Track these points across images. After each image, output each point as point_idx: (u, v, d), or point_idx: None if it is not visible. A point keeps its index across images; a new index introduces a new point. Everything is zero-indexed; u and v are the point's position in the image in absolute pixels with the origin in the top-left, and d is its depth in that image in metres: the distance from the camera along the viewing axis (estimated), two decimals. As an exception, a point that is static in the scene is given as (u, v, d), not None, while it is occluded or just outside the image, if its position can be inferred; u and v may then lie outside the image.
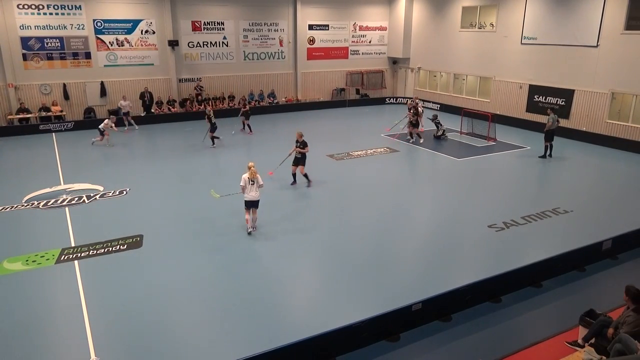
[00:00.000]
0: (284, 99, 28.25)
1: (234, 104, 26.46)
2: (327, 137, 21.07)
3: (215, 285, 9.05)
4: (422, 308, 7.76)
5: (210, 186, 14.50)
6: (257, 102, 26.98)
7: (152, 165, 17.00)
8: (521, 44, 23.20)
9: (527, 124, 22.68)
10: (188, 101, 25.41)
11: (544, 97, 22.48)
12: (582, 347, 6.93)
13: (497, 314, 8.22)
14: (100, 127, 19.20)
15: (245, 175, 10.80)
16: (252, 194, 10.84)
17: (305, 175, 14.41)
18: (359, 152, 18.35)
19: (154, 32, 24.48)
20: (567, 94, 21.40)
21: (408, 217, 12.63)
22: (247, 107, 22.23)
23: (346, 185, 14.59)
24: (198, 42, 25.67)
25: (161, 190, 14.31)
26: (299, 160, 14.24)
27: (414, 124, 19.92)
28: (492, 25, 24.82)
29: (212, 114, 19.08)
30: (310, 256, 10.51)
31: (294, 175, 14.52)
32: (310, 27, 28.49)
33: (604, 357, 6.43)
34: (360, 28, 29.99)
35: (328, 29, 29.05)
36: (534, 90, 22.92)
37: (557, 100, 21.77)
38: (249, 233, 11.09)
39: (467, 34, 26.28)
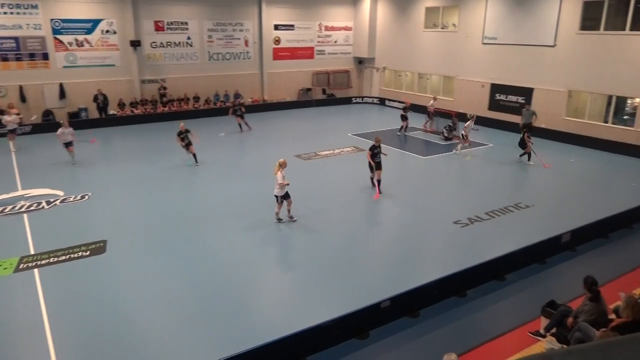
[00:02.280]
0: (250, 100, 28.05)
1: (199, 105, 26.15)
2: (294, 137, 21.06)
3: (182, 289, 8.90)
4: (390, 305, 7.85)
5: (174, 189, 14.33)
6: (222, 103, 26.70)
7: (114, 169, 16.56)
8: (482, 43, 23.77)
9: (490, 121, 23.24)
10: (150, 103, 24.95)
11: (505, 96, 23.11)
12: (544, 336, 7.16)
13: (463, 308, 8.40)
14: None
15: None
16: (274, 189, 11.50)
17: (379, 182, 14.02)
18: (327, 152, 18.41)
19: (115, 32, 23.90)
20: (527, 92, 22.06)
21: (375, 215, 12.76)
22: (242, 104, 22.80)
23: (314, 185, 14.60)
24: (161, 43, 25.21)
25: (124, 195, 13.98)
26: (380, 165, 13.97)
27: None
28: (455, 25, 25.34)
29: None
30: (278, 257, 10.50)
31: (378, 181, 14.01)
32: (276, 27, 28.41)
33: (564, 346, 6.66)
34: (326, 28, 30.10)
35: (294, 29, 29.03)
36: (495, 88, 23.53)
37: (517, 99, 22.41)
38: (282, 220, 11.84)
39: (431, 34, 26.74)
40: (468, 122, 18.47)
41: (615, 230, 11.44)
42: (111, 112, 23.99)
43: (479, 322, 8.04)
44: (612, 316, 6.78)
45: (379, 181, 13.92)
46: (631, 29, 18.27)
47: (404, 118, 21.78)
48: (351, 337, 7.51)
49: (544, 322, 7.34)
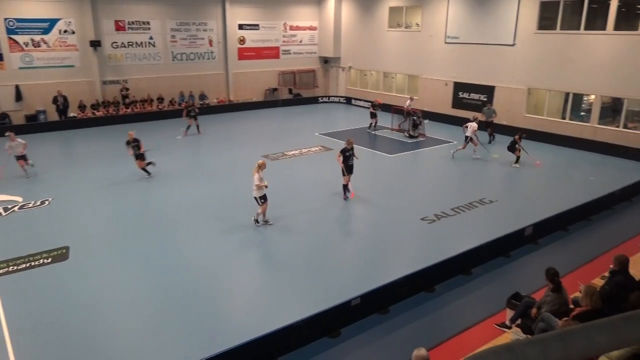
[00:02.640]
0: (215, 100, 27.74)
1: (164, 106, 25.68)
2: (261, 138, 20.96)
3: (150, 294, 8.73)
4: (361, 303, 7.91)
5: (139, 192, 14.02)
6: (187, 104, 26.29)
7: (76, 173, 16.06)
8: (445, 43, 24.21)
9: (454, 119, 23.69)
10: (113, 104, 24.35)
11: (467, 94, 23.62)
12: (510, 328, 7.36)
13: (432, 302, 8.54)
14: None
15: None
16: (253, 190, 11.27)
17: (347, 186, 13.49)
18: (294, 152, 18.39)
19: (73, 32, 23.18)
20: (489, 90, 22.61)
21: (345, 215, 12.82)
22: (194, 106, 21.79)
23: (282, 186, 14.53)
24: (122, 43, 24.61)
25: (87, 199, 13.58)
26: (352, 169, 13.36)
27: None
28: (418, 25, 25.72)
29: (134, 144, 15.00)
30: (249, 259, 10.42)
31: (346, 187, 13.47)
32: (240, 26, 28.16)
33: (529, 337, 6.86)
34: (291, 28, 30.04)
35: (258, 29, 28.84)
36: (458, 87, 24.02)
37: (480, 97, 22.93)
38: (266, 222, 11.67)
39: (395, 33, 27.06)
40: (473, 124, 17.36)
41: (575, 222, 11.86)
42: (71, 114, 23.29)
43: (447, 316, 8.20)
44: (573, 306, 7.02)
45: (346, 184, 13.44)
46: (585, 29, 18.99)
47: (373, 115, 22.24)
48: (322, 336, 7.53)
49: (509, 313, 7.54)
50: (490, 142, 19.88)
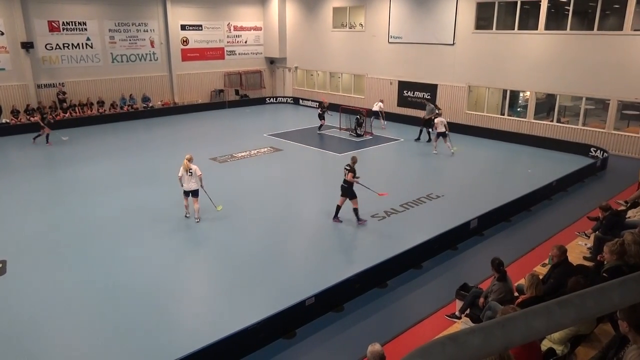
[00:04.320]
0: (159, 103, 27.01)
1: (104, 110, 24.75)
2: (209, 140, 20.61)
3: (95, 303, 8.38)
4: (315, 302, 7.94)
5: (79, 199, 13.43)
6: (129, 107, 25.48)
7: (9, 181, 15.16)
8: (388, 42, 24.72)
9: (399, 117, 24.24)
10: (49, 109, 23.17)
11: (412, 92, 24.23)
12: (460, 318, 7.62)
13: (385, 298, 8.70)
14: None
15: (181, 167, 11.29)
16: (189, 184, 11.34)
17: (355, 211, 11.57)
18: (243, 153, 18.20)
19: (2, 33, 21.90)
20: (432, 89, 23.30)
21: (297, 215, 12.83)
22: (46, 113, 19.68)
23: (232, 188, 14.38)
24: (57, 44, 23.49)
25: (20, 207, 12.84)
26: (345, 191, 11.49)
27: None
28: (362, 25, 26.12)
29: None
30: (198, 262, 10.23)
31: (339, 208, 11.76)
32: (183, 27, 27.55)
33: (473, 325, 7.11)
34: (235, 28, 29.71)
35: (202, 29, 28.33)
36: (403, 85, 24.59)
37: (424, 95, 23.58)
38: (186, 216, 11.79)
39: (339, 33, 27.35)
40: (441, 119, 17.87)
41: (516, 213, 12.43)
42: (3, 120, 21.99)
43: (400, 310, 8.38)
44: (517, 294, 7.36)
45: (355, 210, 11.63)
46: (519, 28, 19.95)
47: (321, 117, 21.92)
48: (278, 338, 7.50)
49: (458, 304, 7.80)
50: (426, 140, 20.09)
